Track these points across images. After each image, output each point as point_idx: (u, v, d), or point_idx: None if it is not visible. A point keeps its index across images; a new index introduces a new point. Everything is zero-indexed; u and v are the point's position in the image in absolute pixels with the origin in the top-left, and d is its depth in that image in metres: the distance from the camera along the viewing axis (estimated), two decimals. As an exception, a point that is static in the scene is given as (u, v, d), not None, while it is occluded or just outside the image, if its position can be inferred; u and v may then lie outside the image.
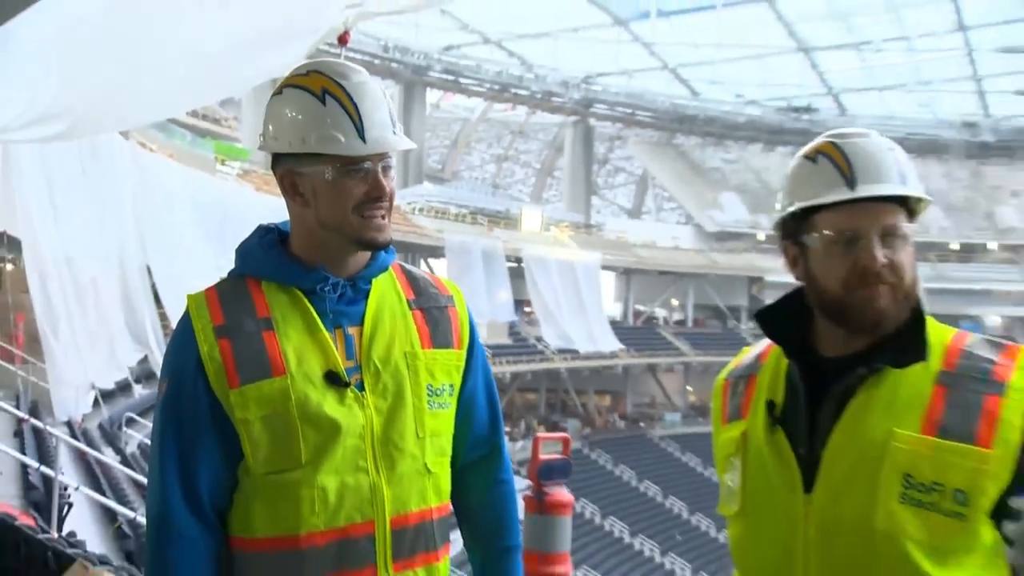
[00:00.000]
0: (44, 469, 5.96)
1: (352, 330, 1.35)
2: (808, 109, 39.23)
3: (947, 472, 1.17)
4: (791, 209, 1.19)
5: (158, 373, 1.84)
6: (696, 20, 33.37)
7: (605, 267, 32.83)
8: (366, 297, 1.38)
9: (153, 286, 7.86)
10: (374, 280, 1.40)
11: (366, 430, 1.32)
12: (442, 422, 1.41)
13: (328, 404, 1.29)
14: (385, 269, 1.42)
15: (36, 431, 7.42)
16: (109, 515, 6.79)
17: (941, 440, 1.17)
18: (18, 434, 7.51)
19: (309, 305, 1.32)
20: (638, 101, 37.80)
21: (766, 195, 38.12)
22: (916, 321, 1.27)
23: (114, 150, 6.78)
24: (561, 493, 1.89)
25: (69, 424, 8.49)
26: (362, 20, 2.43)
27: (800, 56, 36.15)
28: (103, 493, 7.28)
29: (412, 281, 1.45)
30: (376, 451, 1.33)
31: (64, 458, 6.79)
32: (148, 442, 12.28)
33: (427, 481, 1.38)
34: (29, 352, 8.29)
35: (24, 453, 6.55)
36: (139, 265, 6.58)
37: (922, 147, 37.56)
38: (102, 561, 3.63)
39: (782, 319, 1.31)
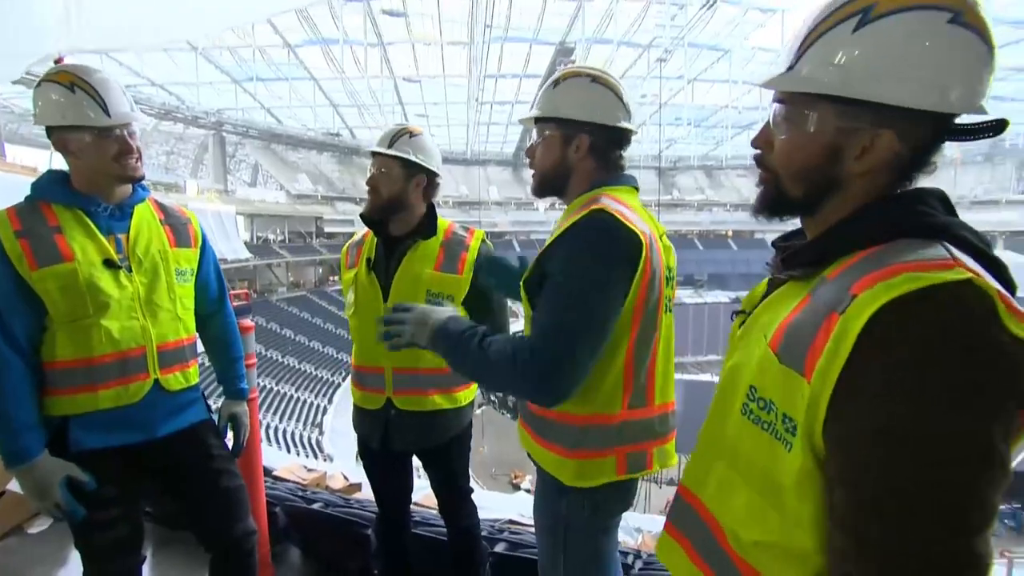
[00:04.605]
0: None
1: (121, 236, 1.65)
2: (337, 135, 48.03)
3: (443, 288, 1.83)
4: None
5: None
6: (278, 85, 41.51)
7: (238, 213, 37.48)
8: (130, 217, 1.67)
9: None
10: (137, 207, 1.69)
11: (135, 295, 1.64)
12: (186, 290, 1.78)
13: (105, 279, 1.59)
14: (143, 200, 1.71)
15: None
16: None
17: (442, 273, 1.81)
18: None
19: (88, 220, 1.60)
20: (250, 124, 43.59)
21: (320, 176, 47.89)
22: (431, 217, 1.91)
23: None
24: (246, 321, 1.97)
25: None
26: (70, 52, 2.48)
27: (331, 108, 46.23)
28: None
29: (163, 208, 1.78)
30: (143, 307, 1.66)
31: None
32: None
33: (179, 324, 1.75)
34: None
35: None
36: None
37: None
38: None
39: (372, 220, 1.89)
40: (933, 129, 0.74)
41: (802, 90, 0.77)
